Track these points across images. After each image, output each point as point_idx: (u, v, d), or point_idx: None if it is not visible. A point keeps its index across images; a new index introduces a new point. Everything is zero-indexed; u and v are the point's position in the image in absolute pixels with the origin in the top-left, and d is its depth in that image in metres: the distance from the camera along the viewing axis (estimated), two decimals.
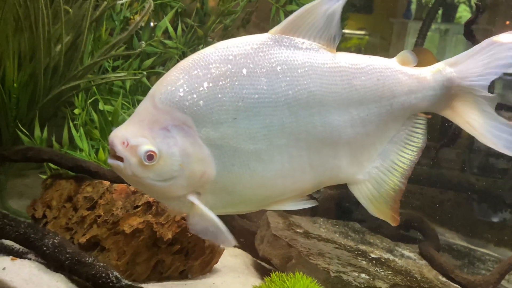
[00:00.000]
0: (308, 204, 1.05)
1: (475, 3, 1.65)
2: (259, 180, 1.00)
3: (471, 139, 2.81)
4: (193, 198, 0.98)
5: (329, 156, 1.02)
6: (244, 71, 0.97)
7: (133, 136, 0.95)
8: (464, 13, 3.54)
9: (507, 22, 3.04)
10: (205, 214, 0.96)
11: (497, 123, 1.05)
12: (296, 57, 1.00)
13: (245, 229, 1.97)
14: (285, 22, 1.02)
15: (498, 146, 1.05)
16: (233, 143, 0.96)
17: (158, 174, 0.96)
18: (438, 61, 1.11)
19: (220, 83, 0.96)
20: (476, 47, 1.07)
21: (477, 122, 1.07)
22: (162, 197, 1.06)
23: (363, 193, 1.06)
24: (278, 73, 0.98)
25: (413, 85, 1.06)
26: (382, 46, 3.41)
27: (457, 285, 1.67)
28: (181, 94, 0.96)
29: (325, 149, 1.01)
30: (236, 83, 0.96)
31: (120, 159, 0.96)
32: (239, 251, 1.98)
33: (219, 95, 0.96)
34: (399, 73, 1.06)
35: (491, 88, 1.11)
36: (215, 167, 0.97)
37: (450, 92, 1.07)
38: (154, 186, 0.97)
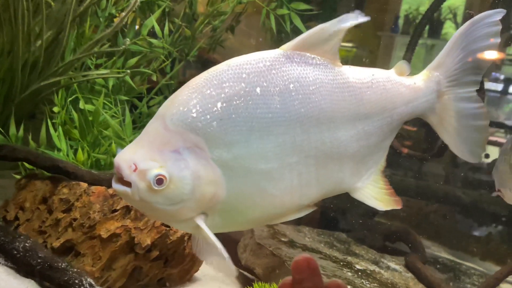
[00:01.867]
0: (308, 211, 1.03)
1: (467, 12, 1.64)
2: (269, 199, 0.97)
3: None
4: (200, 221, 0.93)
5: (334, 170, 1.02)
6: (258, 90, 0.94)
7: (142, 159, 0.89)
8: (450, 29, 3.59)
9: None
10: (210, 239, 0.91)
11: (469, 122, 1.08)
12: (308, 74, 0.99)
13: (227, 237, 1.90)
14: (298, 39, 1.00)
15: (463, 153, 1.08)
16: (246, 163, 0.93)
17: (168, 198, 0.90)
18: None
19: (234, 102, 0.92)
20: (449, 43, 1.08)
21: (450, 125, 1.09)
22: (169, 220, 1.02)
23: (365, 195, 1.07)
24: (291, 91, 0.96)
25: (410, 95, 1.08)
26: (369, 59, 3.45)
27: None
28: (194, 115, 0.91)
29: (331, 164, 1.01)
30: (250, 103, 0.93)
31: (127, 183, 0.89)
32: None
33: (233, 115, 0.92)
34: (398, 84, 1.07)
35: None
36: (226, 188, 0.92)
37: (438, 95, 1.09)
38: (163, 210, 0.92)
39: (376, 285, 1.52)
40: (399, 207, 1.08)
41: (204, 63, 2.80)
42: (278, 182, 0.95)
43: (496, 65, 2.97)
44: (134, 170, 0.88)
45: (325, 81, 0.99)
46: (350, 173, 1.04)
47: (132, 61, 1.85)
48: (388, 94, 1.06)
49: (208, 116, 0.91)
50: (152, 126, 0.93)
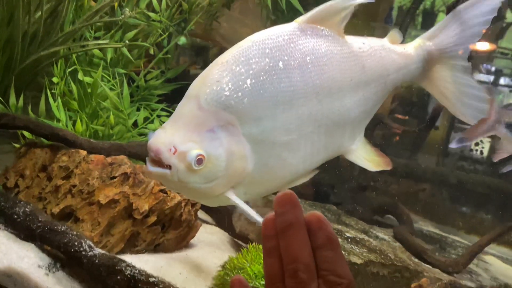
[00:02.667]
0: (312, 174, 1.10)
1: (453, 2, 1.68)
2: (287, 168, 1.02)
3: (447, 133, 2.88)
4: (231, 195, 0.97)
5: (338, 136, 1.08)
6: (281, 64, 0.97)
7: (181, 141, 0.91)
8: None
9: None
10: (243, 210, 0.96)
11: (469, 90, 1.14)
12: (321, 46, 1.02)
13: (223, 208, 1.96)
14: (312, 12, 1.03)
15: (466, 117, 1.14)
16: (271, 136, 0.97)
17: (205, 177, 0.93)
18: None
19: (261, 78, 0.96)
20: (447, 18, 1.15)
21: (449, 92, 1.16)
22: (201, 198, 1.05)
23: (357, 157, 1.13)
24: (308, 64, 1.00)
25: (402, 62, 1.14)
26: None
27: (428, 265, 1.70)
28: (227, 94, 0.93)
29: (337, 130, 1.06)
30: (275, 77, 0.96)
31: (165, 166, 0.90)
32: (217, 229, 1.97)
33: (261, 91, 0.95)
34: (391, 52, 1.13)
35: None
36: (253, 162, 0.97)
37: (429, 64, 1.16)
38: (198, 188, 0.95)
39: (365, 250, 1.59)
40: (388, 168, 1.14)
41: (197, 50, 2.83)
42: (296, 151, 1.01)
43: (488, 57, 3.03)
44: (174, 153, 0.89)
45: (334, 52, 1.03)
46: (348, 137, 1.10)
47: (130, 34, 1.88)
48: (383, 62, 1.11)
49: (240, 94, 0.93)
50: (187, 108, 0.94)
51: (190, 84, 0.98)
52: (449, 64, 1.15)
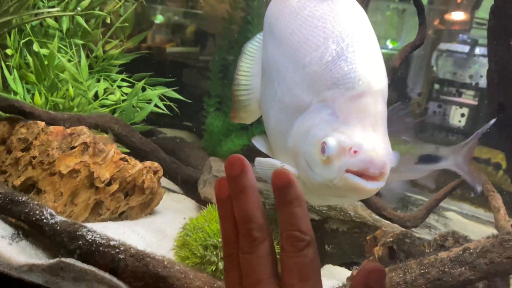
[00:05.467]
0: None
1: None
2: None
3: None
4: None
5: None
6: None
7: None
8: None
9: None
10: None
11: None
12: None
13: (188, 176, 1.98)
14: None
15: None
16: None
17: None
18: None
19: None
20: None
21: None
22: None
23: None
24: None
25: None
26: None
27: (388, 222, 1.76)
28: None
29: None
30: None
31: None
32: (183, 197, 1.99)
33: None
34: None
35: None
36: None
37: None
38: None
39: (325, 208, 1.63)
40: None
41: (174, 28, 2.79)
42: None
43: (464, 28, 3.06)
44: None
45: None
46: None
47: (85, 3, 1.85)
48: None
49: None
50: (379, 106, 0.85)
51: (148, 55, 0.95)
52: None
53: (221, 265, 1.25)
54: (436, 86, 3.11)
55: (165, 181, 1.93)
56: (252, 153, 1.08)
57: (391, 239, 1.35)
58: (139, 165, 1.64)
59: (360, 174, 0.80)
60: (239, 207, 0.64)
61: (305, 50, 0.95)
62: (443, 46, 3.12)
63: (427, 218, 1.82)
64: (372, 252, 1.39)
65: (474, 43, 3.09)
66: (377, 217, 1.80)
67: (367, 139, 0.81)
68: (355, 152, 0.80)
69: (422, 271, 1.10)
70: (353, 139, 0.81)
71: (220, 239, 1.28)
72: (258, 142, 1.23)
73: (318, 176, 0.86)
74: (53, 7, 1.79)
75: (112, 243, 1.36)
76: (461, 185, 1.74)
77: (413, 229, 1.78)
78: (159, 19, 2.72)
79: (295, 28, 1.00)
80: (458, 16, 3.09)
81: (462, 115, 2.94)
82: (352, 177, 0.81)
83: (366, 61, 0.86)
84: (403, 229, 1.51)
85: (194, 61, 2.84)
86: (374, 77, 0.86)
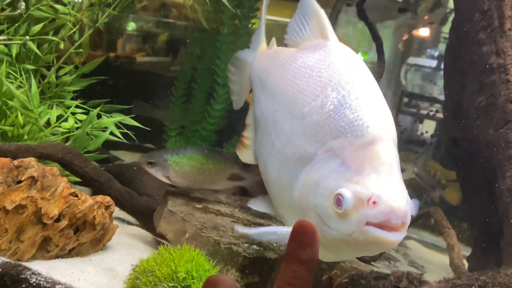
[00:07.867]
0: None
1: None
2: None
3: None
4: None
5: None
6: None
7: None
8: None
9: None
10: None
11: None
12: None
13: (144, 208, 1.91)
14: None
15: None
16: None
17: None
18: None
19: None
20: None
21: None
22: None
23: None
24: None
25: None
26: None
27: None
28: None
29: None
30: None
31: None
32: (139, 229, 1.93)
33: None
34: None
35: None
36: None
37: None
38: None
39: (283, 245, 1.61)
40: None
41: (145, 37, 2.72)
42: None
43: (432, 42, 3.12)
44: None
45: None
46: None
47: (37, 27, 1.77)
48: None
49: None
50: (393, 152, 0.82)
51: (108, 78, 0.93)
52: None
53: None
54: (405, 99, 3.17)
55: (120, 213, 1.87)
56: None
57: (346, 280, 1.33)
58: (89, 200, 1.57)
59: (381, 226, 0.77)
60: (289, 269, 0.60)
61: (302, 100, 0.92)
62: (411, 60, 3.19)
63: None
64: None
65: (441, 58, 3.16)
66: None
67: (385, 188, 0.78)
68: (374, 203, 0.76)
69: None
70: (370, 189, 0.78)
71: (171, 285, 1.23)
72: (256, 205, 1.23)
73: (334, 231, 0.82)
74: (2, 31, 1.70)
75: (57, 286, 1.29)
76: (422, 217, 1.75)
77: (372, 263, 1.78)
78: (131, 26, 2.64)
79: (288, 80, 0.99)
80: (425, 32, 3.16)
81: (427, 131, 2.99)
82: (373, 229, 0.78)
83: (371, 107, 0.84)
84: (359, 269, 1.50)
85: (165, 71, 2.75)
86: (383, 123, 0.84)
